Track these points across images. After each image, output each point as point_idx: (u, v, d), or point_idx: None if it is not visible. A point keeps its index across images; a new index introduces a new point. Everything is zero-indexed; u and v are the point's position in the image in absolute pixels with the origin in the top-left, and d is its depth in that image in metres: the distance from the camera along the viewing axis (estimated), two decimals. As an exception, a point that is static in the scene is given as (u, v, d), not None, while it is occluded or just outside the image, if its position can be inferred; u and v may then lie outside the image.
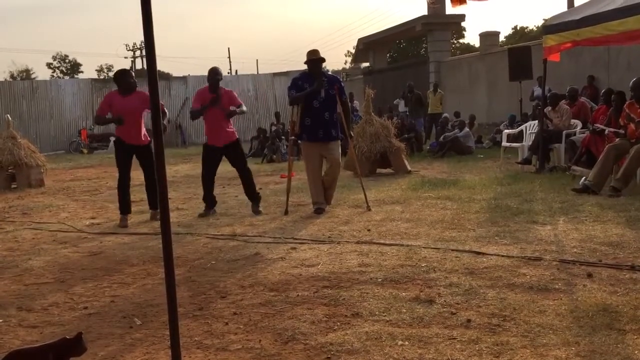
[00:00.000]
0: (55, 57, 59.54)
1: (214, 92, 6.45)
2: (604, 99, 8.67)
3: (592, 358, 2.49)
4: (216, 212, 6.60)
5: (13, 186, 10.16)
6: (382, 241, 4.78)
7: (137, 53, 48.61)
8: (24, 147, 10.45)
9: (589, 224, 5.03)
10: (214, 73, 6.52)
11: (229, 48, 62.40)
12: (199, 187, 9.14)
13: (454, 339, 2.74)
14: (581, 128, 8.85)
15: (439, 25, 20.97)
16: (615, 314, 2.93)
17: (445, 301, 3.25)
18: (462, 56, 23.91)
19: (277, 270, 4.09)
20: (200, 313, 3.32)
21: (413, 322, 2.98)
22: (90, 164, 15.57)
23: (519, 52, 13.26)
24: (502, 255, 4.11)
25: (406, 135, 12.08)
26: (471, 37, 69.63)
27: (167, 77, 28.91)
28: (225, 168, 6.72)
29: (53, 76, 56.27)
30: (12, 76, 54.72)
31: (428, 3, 17.18)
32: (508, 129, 11.95)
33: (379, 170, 9.91)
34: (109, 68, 61.24)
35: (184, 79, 24.71)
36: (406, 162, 9.80)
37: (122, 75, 6.37)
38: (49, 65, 59.63)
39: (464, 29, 45.32)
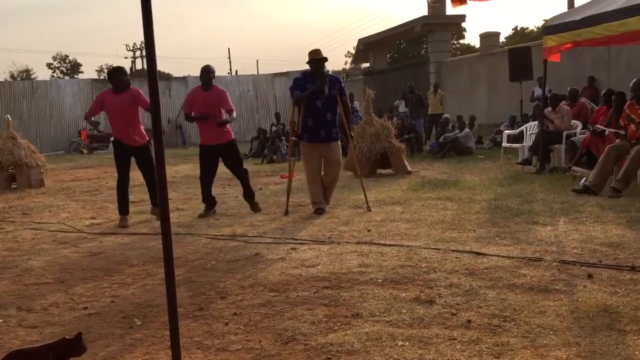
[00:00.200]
0: (56, 57, 59.62)
1: (207, 91, 6.45)
2: (604, 100, 8.67)
3: (592, 359, 2.48)
4: (216, 213, 6.60)
5: (13, 186, 10.17)
6: (382, 242, 4.78)
7: (137, 53, 48.64)
8: (24, 148, 10.45)
9: (589, 224, 5.02)
10: (206, 71, 6.52)
11: (229, 48, 62.52)
12: (199, 187, 9.14)
13: (455, 339, 2.74)
14: (581, 129, 8.85)
15: (439, 25, 20.98)
16: (616, 315, 2.93)
17: (445, 302, 3.25)
18: (463, 57, 23.92)
19: (277, 271, 4.09)
20: (200, 313, 3.32)
21: (413, 322, 2.98)
22: (91, 164, 15.57)
23: (519, 52, 13.26)
24: (503, 256, 4.11)
25: (406, 136, 12.09)
26: (471, 38, 69.68)
27: (167, 77, 28.92)
28: (225, 168, 6.71)
29: (53, 76, 56.31)
30: (12, 76, 54.79)
31: (428, 3, 17.18)
32: (508, 129, 11.95)
33: (379, 171, 9.91)
34: (109, 68, 61.16)
35: (184, 79, 24.71)
36: (406, 163, 9.80)
37: (115, 73, 6.38)
38: (49, 65, 59.72)
39: (464, 30, 45.39)
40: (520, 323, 2.90)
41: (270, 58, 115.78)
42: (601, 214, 5.42)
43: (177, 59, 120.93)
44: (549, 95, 9.10)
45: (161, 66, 62.59)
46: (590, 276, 3.57)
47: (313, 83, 6.23)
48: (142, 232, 5.88)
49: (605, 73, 13.17)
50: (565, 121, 8.92)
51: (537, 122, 9.41)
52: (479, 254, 4.21)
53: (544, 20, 31.35)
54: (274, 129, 16.02)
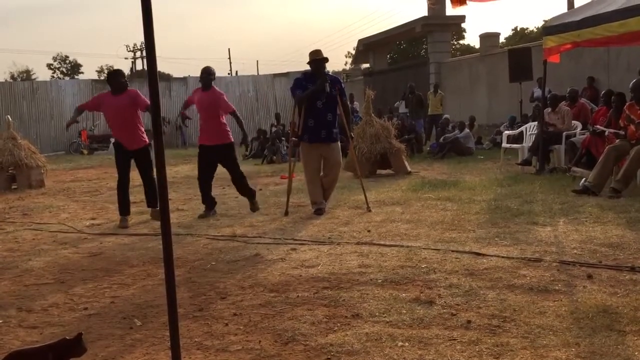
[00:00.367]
0: (56, 57, 59.64)
1: (206, 91, 6.49)
2: (604, 100, 8.67)
3: (592, 359, 2.48)
4: (216, 213, 6.60)
5: (13, 187, 10.17)
6: (382, 242, 4.78)
7: (138, 54, 48.63)
8: (25, 148, 10.46)
9: (589, 225, 5.02)
10: (205, 72, 6.55)
11: (229, 49, 62.40)
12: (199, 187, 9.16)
13: (454, 340, 2.74)
14: (581, 129, 8.85)
15: (439, 26, 20.99)
16: (616, 315, 2.93)
17: (445, 302, 3.25)
18: (463, 57, 23.94)
19: (277, 271, 4.09)
20: (200, 314, 3.32)
21: (413, 323, 2.98)
22: (91, 164, 15.58)
23: (519, 53, 13.26)
24: (502, 257, 4.11)
25: (406, 137, 12.09)
26: (471, 38, 69.66)
27: (167, 77, 28.94)
28: (223, 169, 6.71)
29: (53, 77, 56.32)
30: (12, 77, 54.81)
31: (428, 4, 17.19)
32: (508, 130, 11.96)
33: (379, 171, 9.91)
34: (110, 69, 61.24)
35: (184, 79, 24.72)
36: (406, 163, 9.80)
37: (113, 75, 6.41)
38: (49, 66, 59.73)
39: (464, 30, 45.38)
40: (520, 323, 2.90)
41: (270, 58, 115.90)
42: (601, 214, 5.42)
43: (178, 59, 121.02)
44: (548, 95, 9.10)
45: (161, 67, 62.59)
46: (590, 277, 3.57)
47: (314, 83, 6.24)
48: (142, 232, 5.89)
49: (605, 74, 13.18)
50: (567, 122, 8.92)
51: (536, 122, 9.41)
52: (478, 254, 4.21)
53: (544, 20, 31.37)
54: (274, 129, 16.02)
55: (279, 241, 5.06)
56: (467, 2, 5.38)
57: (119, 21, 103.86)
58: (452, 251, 4.34)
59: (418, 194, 7.29)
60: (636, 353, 2.51)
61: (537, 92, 12.48)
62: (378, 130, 9.63)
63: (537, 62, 11.30)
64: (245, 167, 6.76)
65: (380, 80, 23.47)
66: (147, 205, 6.59)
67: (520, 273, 3.71)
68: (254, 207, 6.54)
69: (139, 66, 47.73)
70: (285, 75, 24.08)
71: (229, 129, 6.58)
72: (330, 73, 6.49)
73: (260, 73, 39.54)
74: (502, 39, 27.45)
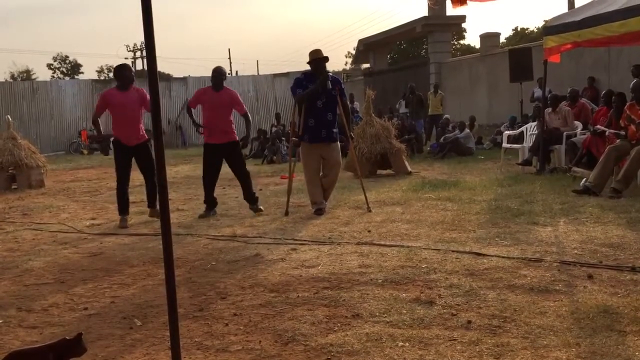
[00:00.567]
0: (56, 57, 59.68)
1: (217, 91, 6.47)
2: (605, 101, 8.67)
3: (592, 359, 2.48)
4: (216, 213, 6.60)
5: (13, 187, 10.17)
6: (382, 242, 4.78)
7: (138, 54, 48.66)
8: (25, 148, 10.46)
9: (589, 225, 5.02)
10: (216, 72, 6.54)
11: (229, 49, 62.41)
12: (199, 188, 9.12)
13: (455, 340, 2.74)
14: (582, 129, 8.85)
15: (440, 26, 20.99)
16: (616, 316, 2.93)
17: (445, 302, 3.25)
18: (463, 57, 23.93)
19: (277, 271, 4.09)
20: (200, 314, 3.32)
21: (413, 323, 2.98)
22: (91, 164, 15.58)
23: (519, 53, 13.26)
24: (503, 257, 4.11)
25: (406, 137, 12.09)
26: (472, 39, 69.62)
27: (167, 78, 28.95)
28: (225, 169, 6.71)
29: (53, 77, 56.36)
30: (12, 77, 54.81)
31: (429, 4, 17.19)
32: (508, 130, 11.96)
33: (379, 172, 9.91)
34: (110, 69, 61.25)
35: (184, 79, 24.73)
36: (406, 163, 9.80)
37: (120, 69, 6.39)
38: (49, 66, 59.77)
39: (465, 30, 45.40)
40: (520, 324, 2.90)
41: (270, 59, 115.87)
42: (601, 214, 5.42)
43: (178, 59, 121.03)
44: (549, 96, 9.10)
45: (161, 67, 62.62)
46: (590, 277, 3.57)
47: (314, 83, 6.24)
48: (142, 232, 5.88)
49: (606, 74, 13.17)
50: (569, 122, 8.91)
51: (537, 122, 9.41)
52: (479, 254, 4.21)
53: (544, 20, 31.38)
54: (274, 129, 16.02)
55: (279, 241, 5.06)
56: (468, 2, 5.37)
57: (119, 21, 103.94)
58: (453, 251, 4.34)
59: (418, 194, 7.28)
60: (637, 353, 2.50)
61: (538, 92, 12.47)
62: (378, 131, 9.62)
63: (538, 62, 11.30)
64: (248, 169, 6.74)
65: (380, 80, 23.47)
66: (147, 205, 6.59)
67: (520, 273, 3.71)
68: (256, 210, 6.50)
69: (139, 66, 47.73)
70: (286, 75, 24.08)
71: (234, 127, 6.59)
72: (330, 73, 6.48)
73: (260, 73, 39.58)
74: (502, 39, 27.45)
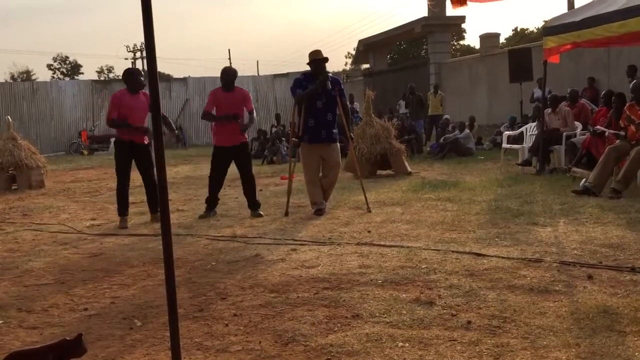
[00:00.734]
0: (56, 58, 59.71)
1: (228, 91, 6.44)
2: (604, 101, 8.67)
3: (592, 359, 2.49)
4: (216, 214, 6.60)
5: (13, 187, 10.17)
6: (382, 243, 4.78)
7: (138, 54, 48.65)
8: (25, 149, 10.45)
9: (589, 225, 5.02)
10: (224, 73, 6.53)
11: (229, 49, 62.23)
12: (199, 188, 9.15)
13: (455, 340, 2.74)
14: (581, 130, 8.86)
15: (439, 26, 20.99)
16: (616, 316, 2.93)
17: (445, 303, 3.25)
18: (463, 58, 23.95)
19: (277, 272, 4.09)
20: (200, 314, 3.32)
21: (413, 323, 2.98)
22: (91, 165, 15.58)
23: (519, 53, 13.26)
24: (503, 257, 4.11)
25: (406, 137, 12.09)
26: (471, 39, 69.69)
27: (167, 78, 28.97)
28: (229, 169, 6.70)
29: (53, 77, 56.35)
30: (12, 77, 54.86)
31: (428, 5, 17.20)
32: (508, 130, 11.96)
33: (379, 172, 9.91)
34: (110, 69, 61.38)
35: (184, 80, 24.74)
36: (406, 164, 9.80)
37: (132, 74, 6.39)
38: (49, 66, 59.80)
39: (464, 31, 45.42)
40: (520, 324, 2.90)
41: (270, 59, 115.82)
42: (601, 215, 5.42)
43: (178, 59, 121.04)
44: (548, 96, 9.10)
45: (161, 67, 62.63)
46: (590, 277, 3.57)
47: (314, 84, 6.24)
48: (142, 233, 5.88)
49: (605, 74, 13.18)
50: (569, 123, 8.92)
51: (536, 123, 9.41)
52: (479, 255, 4.21)
53: (544, 21, 31.36)
54: (274, 130, 16.01)
55: (279, 242, 5.06)
56: (468, 2, 5.38)
57: (119, 22, 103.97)
58: (453, 252, 4.34)
59: (418, 194, 7.28)
60: (636, 354, 2.51)
61: (538, 93, 12.48)
62: (378, 131, 9.63)
63: (537, 63, 11.30)
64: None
65: (380, 80, 23.47)
66: (150, 210, 6.57)
67: (520, 273, 3.71)
68: (256, 214, 6.46)
69: (139, 67, 47.76)
70: (286, 75, 24.08)
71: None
72: (330, 74, 6.48)
73: (260, 73, 39.55)
74: (502, 40, 27.46)
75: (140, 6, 2.13)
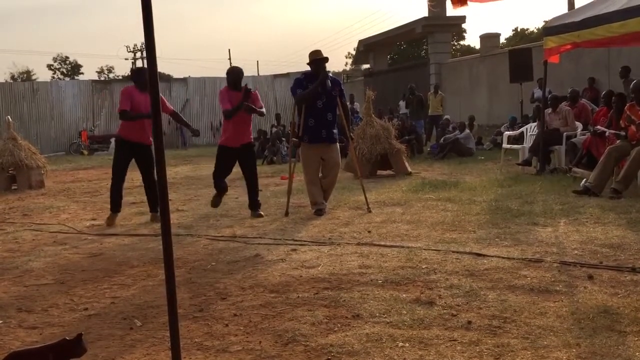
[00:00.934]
0: (56, 58, 59.70)
1: (237, 90, 6.40)
2: (605, 101, 8.67)
3: (593, 360, 2.48)
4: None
5: (13, 187, 10.17)
6: (382, 243, 4.78)
7: (138, 54, 48.66)
8: (25, 149, 10.46)
9: (589, 225, 5.02)
10: (232, 73, 6.50)
11: (229, 49, 62.11)
12: (199, 188, 9.16)
13: (455, 340, 2.73)
14: (582, 130, 8.85)
15: (440, 27, 21.00)
16: (616, 316, 2.93)
17: (445, 303, 3.25)
18: (463, 58, 23.95)
19: (277, 272, 4.09)
20: (200, 314, 3.32)
21: (413, 323, 2.97)
22: (91, 165, 15.59)
23: (519, 53, 13.27)
24: (503, 257, 4.11)
25: (407, 137, 12.09)
26: (472, 39, 69.70)
27: (167, 78, 28.96)
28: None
29: (54, 77, 56.36)
30: (12, 77, 54.86)
31: (428, 5, 17.20)
32: (509, 130, 11.96)
33: (379, 172, 9.91)
34: (110, 69, 61.38)
35: (184, 80, 24.75)
36: (407, 164, 9.80)
37: (142, 73, 6.38)
38: (49, 66, 59.81)
39: (465, 31, 45.41)
40: (520, 324, 2.89)
41: (270, 59, 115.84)
42: (602, 215, 5.41)
43: (178, 59, 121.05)
44: (549, 96, 9.10)
45: (161, 67, 62.65)
46: (590, 277, 3.57)
47: (314, 83, 6.24)
48: (142, 233, 5.88)
49: (606, 74, 13.17)
50: (570, 123, 8.91)
51: (537, 123, 9.41)
52: (479, 255, 4.21)
53: (544, 21, 31.40)
54: (274, 130, 16.02)
55: (279, 242, 5.06)
56: (468, 2, 5.38)
57: (119, 22, 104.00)
58: (453, 252, 4.34)
59: (418, 194, 7.28)
60: (637, 354, 2.50)
61: (538, 93, 12.49)
62: (378, 131, 9.63)
63: (538, 63, 11.31)
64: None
65: (380, 80, 23.47)
66: (150, 209, 6.58)
67: (520, 274, 3.71)
68: (257, 215, 6.45)
69: (139, 67, 47.74)
70: (286, 75, 24.09)
71: (250, 130, 6.58)
72: (330, 74, 6.48)
73: (260, 74, 39.53)
74: (502, 40, 27.47)
75: (140, 6, 2.12)
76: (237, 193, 7.62)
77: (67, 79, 52.18)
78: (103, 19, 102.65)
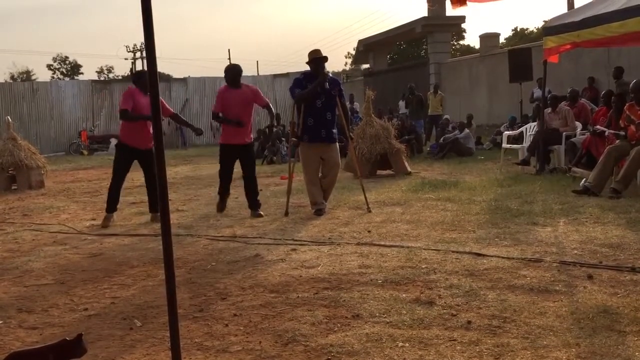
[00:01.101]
0: (56, 58, 59.67)
1: (236, 88, 6.42)
2: (604, 101, 8.67)
3: (592, 359, 2.49)
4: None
5: (13, 187, 10.17)
6: (382, 242, 4.78)
7: (138, 54, 48.65)
8: (25, 149, 10.46)
9: (589, 225, 5.02)
10: (227, 70, 6.51)
11: (229, 49, 62.03)
12: (199, 188, 9.17)
13: (455, 340, 2.74)
14: (581, 130, 8.86)
15: (439, 26, 21.00)
16: (616, 316, 2.93)
17: (445, 303, 3.25)
18: (463, 58, 23.95)
19: (277, 272, 4.09)
20: (200, 314, 3.32)
21: (413, 323, 2.98)
22: (91, 165, 15.58)
23: (519, 53, 13.28)
24: (503, 257, 4.11)
25: (406, 137, 12.09)
26: (471, 39, 69.72)
27: (167, 78, 28.96)
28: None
29: (53, 77, 56.33)
30: (12, 77, 54.84)
31: (427, 5, 17.21)
32: (508, 130, 11.96)
33: (379, 172, 9.91)
34: (109, 69, 61.37)
35: (184, 80, 24.76)
36: (406, 164, 9.80)
37: (144, 76, 6.37)
38: (49, 66, 59.76)
39: (464, 31, 45.42)
40: (520, 324, 2.90)
41: (270, 59, 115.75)
42: (601, 214, 5.42)
43: (178, 59, 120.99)
44: (548, 96, 9.10)
45: (161, 67, 62.63)
46: (590, 277, 3.57)
47: (313, 83, 6.24)
48: (142, 233, 5.88)
49: (605, 74, 13.17)
50: (569, 122, 8.92)
51: (537, 122, 9.41)
52: (479, 254, 4.21)
53: (544, 21, 31.39)
54: (274, 130, 16.00)
55: (279, 242, 5.06)
56: (467, 2, 5.39)
57: (119, 22, 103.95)
58: (453, 252, 4.34)
59: (418, 194, 7.28)
60: (636, 353, 2.51)
61: (537, 93, 12.49)
62: (378, 131, 9.63)
63: (537, 63, 11.30)
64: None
65: (380, 80, 23.47)
66: (150, 209, 6.58)
67: (520, 273, 3.71)
68: (256, 214, 6.45)
69: (139, 67, 47.69)
70: (286, 75, 24.09)
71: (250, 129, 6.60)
72: (330, 74, 6.48)
73: (260, 73, 39.52)
74: (502, 40, 27.48)
75: (140, 6, 2.12)
76: (237, 193, 7.61)
77: (66, 79, 52.18)
78: (103, 19, 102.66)
